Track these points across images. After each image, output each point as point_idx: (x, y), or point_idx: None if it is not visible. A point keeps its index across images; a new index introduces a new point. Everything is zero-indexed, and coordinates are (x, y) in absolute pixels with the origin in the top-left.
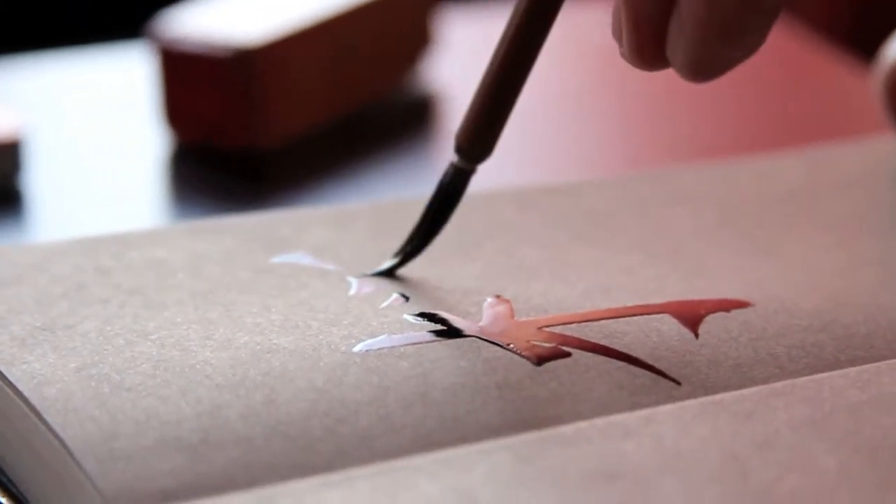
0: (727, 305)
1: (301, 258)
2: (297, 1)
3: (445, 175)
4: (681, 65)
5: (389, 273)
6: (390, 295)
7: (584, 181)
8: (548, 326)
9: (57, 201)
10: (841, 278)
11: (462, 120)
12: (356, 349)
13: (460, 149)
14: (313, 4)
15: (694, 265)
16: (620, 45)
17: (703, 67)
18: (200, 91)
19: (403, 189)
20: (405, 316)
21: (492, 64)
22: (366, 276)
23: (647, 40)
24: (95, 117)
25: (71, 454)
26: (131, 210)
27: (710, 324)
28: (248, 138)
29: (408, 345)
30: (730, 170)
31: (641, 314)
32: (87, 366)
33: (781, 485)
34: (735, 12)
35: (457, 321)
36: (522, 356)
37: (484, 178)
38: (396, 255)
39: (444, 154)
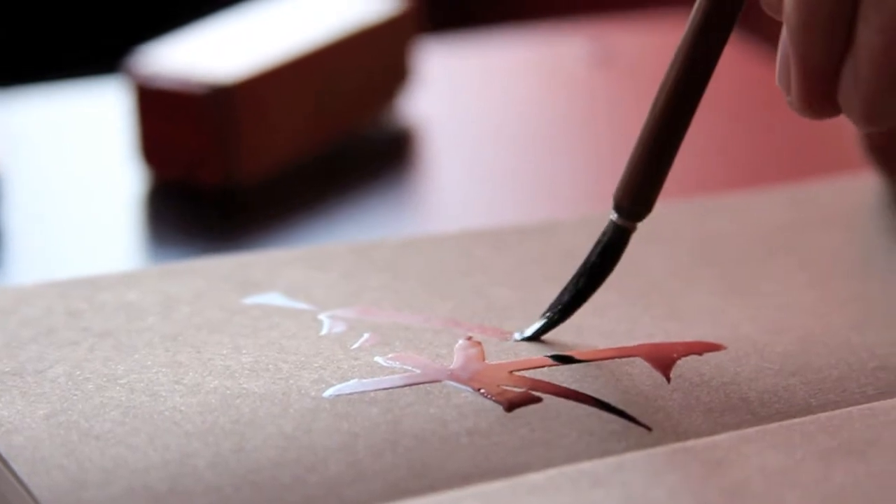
0: (699, 349)
1: (273, 298)
2: (274, 37)
3: (604, 233)
4: (856, 113)
5: (538, 336)
6: (361, 335)
7: (557, 220)
8: (518, 370)
9: (32, 238)
10: (814, 318)
11: (621, 177)
12: (326, 394)
13: (620, 207)
14: (291, 40)
15: (667, 306)
16: (787, 94)
17: (880, 115)
18: (177, 127)
19: (383, 225)
20: (376, 358)
21: (650, 119)
22: (515, 339)
23: (817, 89)
24: (71, 153)
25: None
26: (107, 247)
27: (682, 367)
28: (224, 175)
29: (378, 389)
30: (706, 207)
31: (613, 357)
32: (56, 412)
33: None
34: None
35: (428, 365)
36: (493, 401)
37: (458, 218)
38: (546, 314)
39: (422, 188)
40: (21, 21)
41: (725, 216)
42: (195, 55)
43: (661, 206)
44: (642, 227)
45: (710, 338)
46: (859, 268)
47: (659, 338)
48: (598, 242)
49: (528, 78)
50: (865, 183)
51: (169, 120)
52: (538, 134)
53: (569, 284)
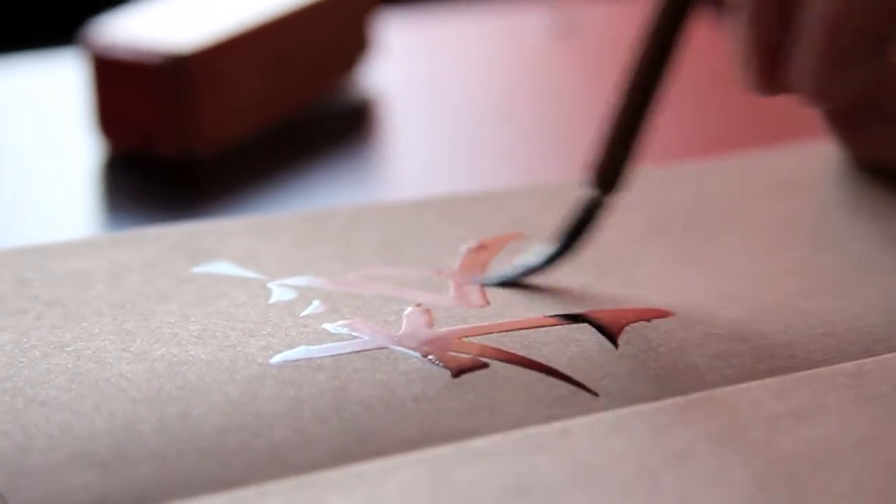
0: (648, 315)
1: (223, 267)
2: (232, 6)
3: (579, 206)
4: (807, 90)
5: (493, 282)
6: (310, 302)
7: (509, 189)
8: (466, 337)
9: None
10: (763, 286)
11: (596, 152)
12: (273, 361)
13: (595, 181)
14: (249, 10)
15: (619, 274)
16: (741, 72)
17: (830, 93)
18: (133, 98)
19: (341, 195)
20: (324, 325)
21: (622, 97)
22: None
23: (769, 68)
24: (27, 125)
25: None
26: (64, 218)
27: (630, 334)
28: (182, 146)
29: (325, 356)
30: (660, 176)
31: (562, 324)
32: (2, 379)
33: (695, 498)
34: (862, 35)
35: (376, 331)
36: (441, 367)
37: (417, 188)
38: (517, 269)
39: (382, 159)
40: None
41: (680, 185)
42: (151, 25)
43: None
44: None
45: (659, 305)
46: (811, 236)
47: (609, 305)
48: (574, 214)
49: (489, 49)
50: (819, 151)
51: (125, 90)
52: (498, 105)
53: (539, 251)
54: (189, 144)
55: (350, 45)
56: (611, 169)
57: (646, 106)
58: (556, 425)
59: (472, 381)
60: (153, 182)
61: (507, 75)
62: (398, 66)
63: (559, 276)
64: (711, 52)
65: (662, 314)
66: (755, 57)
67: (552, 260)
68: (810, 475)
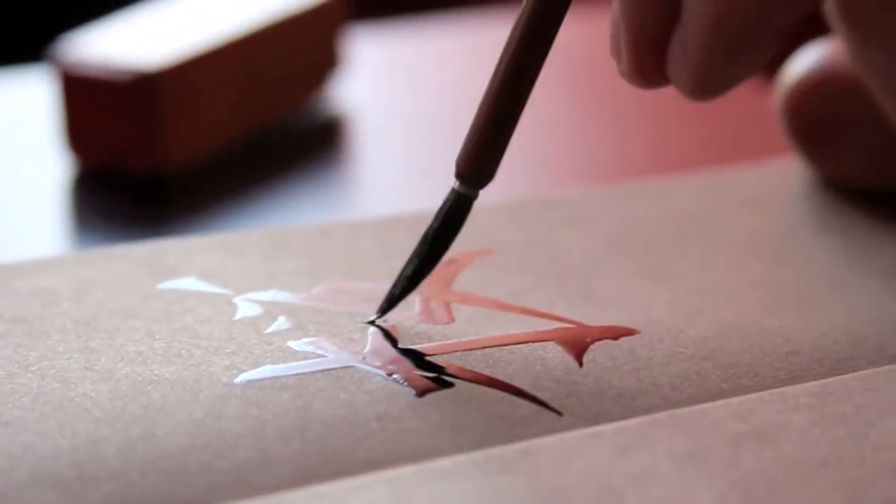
0: (613, 333)
1: (188, 283)
2: (201, 23)
3: (446, 201)
4: (684, 84)
5: (384, 311)
6: (275, 318)
7: (476, 206)
8: (431, 355)
9: None
10: (728, 303)
11: (463, 144)
12: (238, 380)
13: (461, 174)
14: (217, 27)
15: (582, 290)
16: (618, 63)
17: (708, 87)
18: (102, 115)
19: (311, 212)
20: (289, 343)
21: (491, 84)
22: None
23: (647, 58)
24: None
25: None
26: (33, 234)
27: (594, 352)
28: (151, 162)
29: (290, 375)
30: (622, 193)
31: (527, 342)
32: None
33: None
34: (742, 31)
35: (341, 349)
36: (405, 386)
37: (387, 206)
38: (391, 290)
39: (351, 175)
40: None
41: (642, 202)
42: (120, 43)
43: (579, 192)
44: (559, 213)
45: (624, 322)
46: (775, 253)
47: (573, 321)
48: (440, 210)
49: (459, 66)
50: (782, 169)
51: (94, 107)
52: (467, 123)
53: (411, 257)
54: (158, 161)
55: (320, 61)
56: (479, 164)
57: (515, 100)
58: (520, 445)
59: (436, 401)
60: (123, 198)
61: (477, 92)
62: (368, 83)
63: (523, 293)
64: None
65: (627, 332)
66: (633, 47)
67: (426, 263)
68: (772, 496)
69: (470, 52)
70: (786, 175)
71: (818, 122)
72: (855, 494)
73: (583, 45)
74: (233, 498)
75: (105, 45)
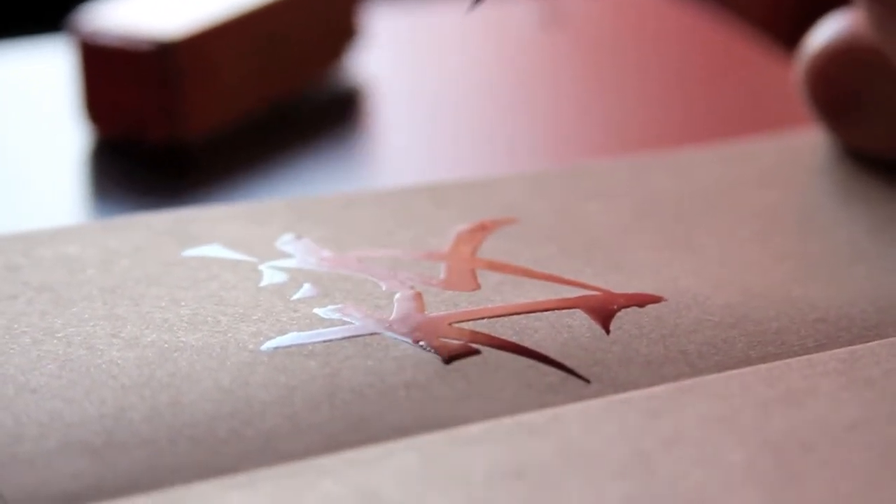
0: (639, 300)
1: (213, 250)
2: None
3: None
4: None
5: None
6: (301, 285)
7: (498, 176)
8: (458, 322)
9: None
10: (754, 272)
11: None
12: (264, 347)
13: None
14: None
15: (608, 259)
16: None
17: None
18: (122, 85)
19: (330, 182)
20: (315, 310)
21: None
22: None
23: None
24: (14, 112)
25: None
26: (54, 205)
27: (621, 319)
28: (170, 132)
29: (316, 342)
30: (647, 165)
31: (553, 309)
32: None
33: (687, 480)
34: None
35: (367, 316)
36: (432, 353)
37: (406, 177)
38: None
39: (370, 146)
40: None
41: (666, 173)
42: (139, 13)
43: (602, 163)
44: (583, 184)
45: (650, 290)
46: (800, 224)
47: (601, 289)
48: None
49: (477, 39)
50: (804, 140)
51: (114, 77)
52: (485, 94)
53: None
54: (178, 131)
55: (338, 32)
56: None
57: None
58: (549, 411)
59: (463, 368)
60: (142, 168)
61: (494, 65)
62: (386, 55)
63: (549, 261)
64: (697, 41)
65: (653, 299)
66: None
67: None
68: (802, 456)
69: (488, 24)
70: (807, 146)
71: (841, 90)
72: (885, 453)
73: (606, 19)
74: (262, 465)
75: (124, 15)
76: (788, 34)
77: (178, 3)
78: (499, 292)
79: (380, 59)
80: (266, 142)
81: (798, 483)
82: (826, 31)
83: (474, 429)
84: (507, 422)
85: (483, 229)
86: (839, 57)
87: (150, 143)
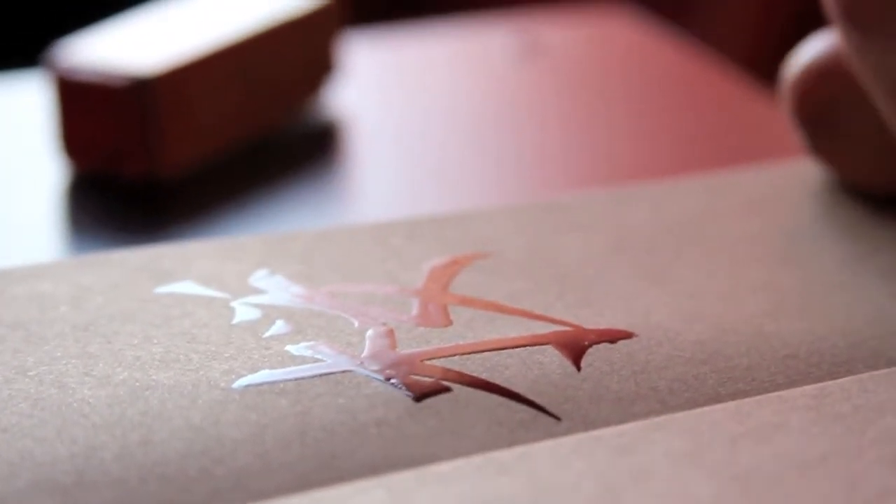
0: (610, 336)
1: (186, 287)
2: (196, 29)
3: None
4: None
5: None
6: (273, 322)
7: (473, 211)
8: (429, 359)
9: None
10: (727, 306)
11: None
12: (235, 385)
13: None
14: (213, 32)
15: (580, 293)
16: None
17: None
18: (98, 120)
19: (308, 218)
20: (287, 347)
21: None
22: None
23: None
24: None
25: None
26: (29, 240)
27: (592, 356)
28: (147, 167)
29: (288, 380)
30: (623, 197)
31: (524, 346)
32: None
33: None
34: None
35: (339, 353)
36: (403, 391)
37: (383, 211)
38: None
39: (347, 181)
40: None
41: (644, 205)
42: (116, 48)
43: (579, 197)
44: (558, 218)
45: (622, 325)
46: (775, 255)
47: (571, 324)
48: None
49: (453, 71)
50: (786, 171)
51: (90, 112)
52: (463, 128)
53: None
54: (154, 166)
55: (316, 66)
56: None
57: None
58: (519, 449)
59: (434, 406)
60: (119, 203)
61: (472, 97)
62: (364, 88)
63: (521, 296)
64: (676, 74)
65: (625, 335)
66: None
67: None
68: (770, 489)
69: (465, 57)
70: (789, 177)
71: (819, 103)
72: (853, 485)
73: (582, 50)
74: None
75: (101, 50)
76: (769, 70)
77: (155, 37)
78: (471, 328)
79: (357, 93)
80: (243, 177)
81: None
82: (810, 50)
83: (444, 467)
84: (476, 459)
85: (455, 264)
86: (822, 70)
87: (127, 177)
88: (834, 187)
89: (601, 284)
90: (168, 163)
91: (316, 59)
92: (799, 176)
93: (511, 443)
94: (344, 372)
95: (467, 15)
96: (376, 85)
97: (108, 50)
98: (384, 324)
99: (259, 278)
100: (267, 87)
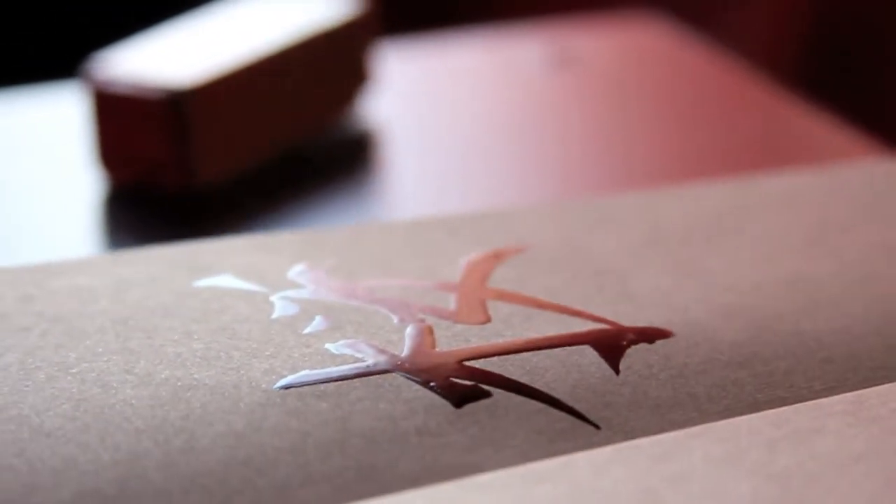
0: (648, 336)
1: (225, 280)
2: (232, 41)
3: None
4: None
5: None
6: (313, 318)
7: (510, 208)
8: (468, 360)
9: None
10: (763, 300)
11: None
12: (277, 386)
13: None
14: (248, 44)
15: (617, 287)
16: None
17: None
18: (134, 132)
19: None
20: (327, 345)
21: None
22: None
23: None
24: (28, 159)
25: None
26: (66, 253)
27: (631, 358)
28: (183, 179)
29: (329, 381)
30: (659, 196)
31: (563, 345)
32: (7, 406)
33: None
34: None
35: (378, 353)
36: (443, 396)
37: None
38: None
39: (381, 191)
40: None
41: (676, 202)
42: (152, 60)
43: (612, 196)
44: (592, 214)
45: (660, 322)
46: (809, 246)
47: (610, 320)
48: None
49: (486, 81)
50: (821, 174)
51: (127, 125)
52: (496, 137)
53: None
54: (190, 178)
55: (350, 77)
56: None
57: None
58: (559, 459)
59: (474, 413)
60: (155, 216)
61: (505, 106)
62: (397, 98)
63: (559, 290)
64: (703, 80)
65: (663, 334)
66: None
67: None
68: (808, 486)
69: (497, 67)
70: (819, 180)
71: None
72: (890, 483)
73: (613, 59)
74: None
75: (136, 63)
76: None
77: (191, 50)
78: (509, 325)
79: (391, 103)
80: (278, 187)
81: None
82: None
83: (485, 477)
84: (517, 470)
85: (493, 258)
86: None
87: (164, 190)
88: (861, 180)
89: (637, 278)
90: (204, 175)
91: (350, 70)
92: (835, 178)
93: (551, 452)
94: (384, 374)
95: (499, 25)
96: (410, 95)
97: (143, 62)
98: (423, 320)
99: (297, 272)
100: (301, 98)
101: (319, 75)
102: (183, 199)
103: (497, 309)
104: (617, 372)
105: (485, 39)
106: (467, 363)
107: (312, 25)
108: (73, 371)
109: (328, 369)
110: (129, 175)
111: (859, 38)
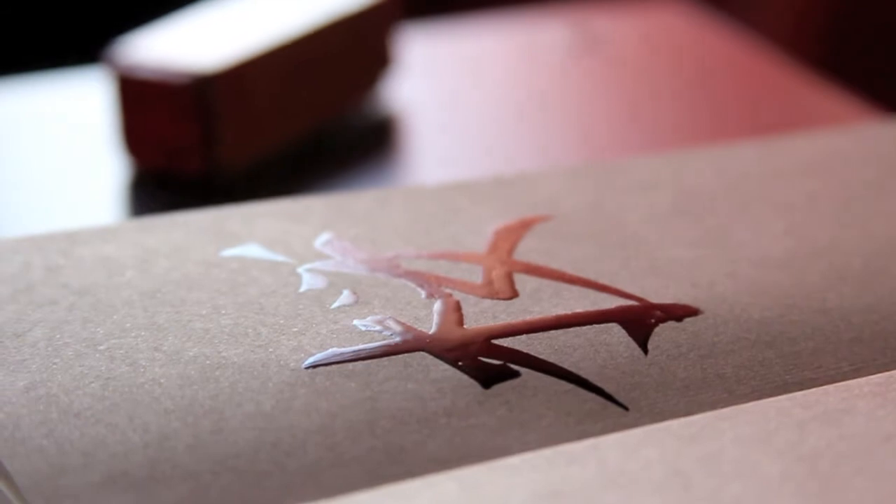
0: (676, 313)
1: (251, 250)
2: (255, 25)
3: None
4: None
5: None
6: (340, 292)
7: (535, 171)
8: (497, 338)
9: (13, 230)
10: (790, 274)
11: None
12: (305, 364)
13: None
14: (271, 28)
15: (645, 260)
16: None
17: None
18: (158, 117)
19: None
20: (355, 322)
21: None
22: None
23: None
24: (52, 144)
25: (17, 490)
26: None
27: (659, 337)
28: (207, 163)
29: (357, 359)
30: (685, 158)
31: (591, 322)
32: (36, 384)
33: (724, 492)
34: None
35: (406, 331)
36: (471, 376)
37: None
38: None
39: (405, 174)
40: None
41: (703, 166)
42: (176, 45)
43: (639, 159)
44: (619, 178)
45: (687, 298)
46: (836, 215)
47: (637, 295)
48: None
49: (510, 64)
50: (844, 135)
51: (150, 110)
52: (519, 120)
53: None
54: (215, 162)
55: (373, 61)
56: None
57: None
58: (588, 441)
59: (503, 393)
60: (179, 200)
61: (529, 90)
62: (421, 81)
63: (586, 263)
64: (735, 64)
65: (691, 312)
66: None
67: None
68: (837, 466)
69: (521, 49)
70: (844, 141)
71: None
72: None
73: (638, 42)
74: (304, 499)
75: (160, 48)
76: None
77: (214, 34)
78: (537, 301)
79: (414, 86)
80: (302, 171)
81: (834, 490)
82: None
83: (514, 460)
84: (546, 453)
85: (520, 227)
86: None
87: (188, 174)
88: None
89: (664, 250)
90: (228, 158)
91: (373, 54)
92: (861, 138)
93: (580, 434)
94: (412, 352)
95: (524, 8)
96: (433, 79)
97: (167, 47)
98: (450, 294)
99: (324, 243)
100: (325, 81)
101: (342, 59)
102: (207, 184)
103: (524, 283)
104: (645, 352)
105: (510, 23)
106: (495, 341)
107: (336, 9)
108: (102, 348)
109: (356, 347)
110: (153, 160)
111: (885, 20)
